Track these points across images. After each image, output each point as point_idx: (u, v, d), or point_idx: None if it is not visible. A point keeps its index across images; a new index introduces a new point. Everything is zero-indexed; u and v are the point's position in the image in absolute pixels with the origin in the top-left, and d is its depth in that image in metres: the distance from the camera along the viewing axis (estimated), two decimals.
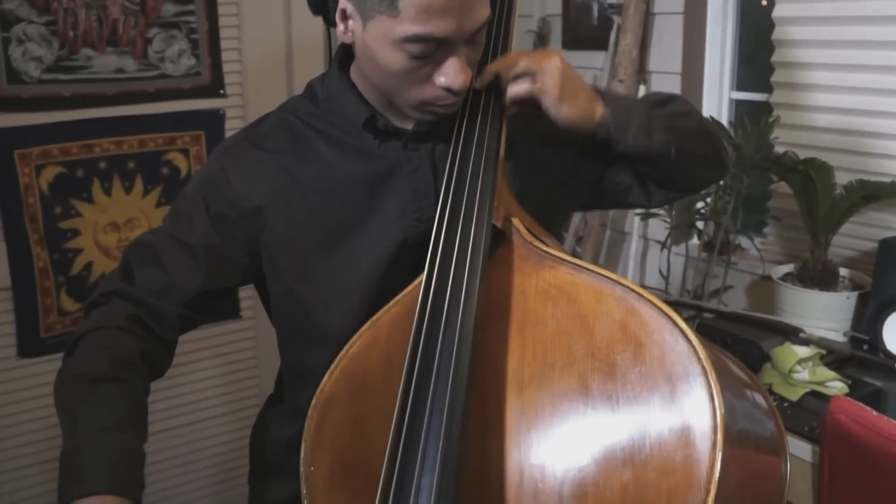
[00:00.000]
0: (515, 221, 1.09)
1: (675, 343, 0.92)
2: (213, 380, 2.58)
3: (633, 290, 0.96)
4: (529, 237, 1.07)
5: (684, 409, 0.89)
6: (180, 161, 2.41)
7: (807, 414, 1.77)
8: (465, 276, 1.03)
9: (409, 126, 1.21)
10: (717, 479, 0.86)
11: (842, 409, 1.57)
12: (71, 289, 2.32)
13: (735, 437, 0.92)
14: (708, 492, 0.86)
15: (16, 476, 2.33)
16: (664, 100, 1.31)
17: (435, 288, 1.04)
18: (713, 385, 0.89)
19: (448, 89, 1.11)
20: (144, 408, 1.17)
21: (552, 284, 1.02)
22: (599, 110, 1.19)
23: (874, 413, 1.52)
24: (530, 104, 1.18)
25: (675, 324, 0.93)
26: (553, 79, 1.15)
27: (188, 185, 1.30)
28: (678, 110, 1.30)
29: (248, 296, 2.50)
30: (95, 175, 2.31)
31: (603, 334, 0.96)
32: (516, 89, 1.16)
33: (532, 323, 1.00)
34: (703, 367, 0.90)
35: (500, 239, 1.09)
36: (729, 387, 0.95)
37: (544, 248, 1.05)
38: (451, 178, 1.12)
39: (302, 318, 1.27)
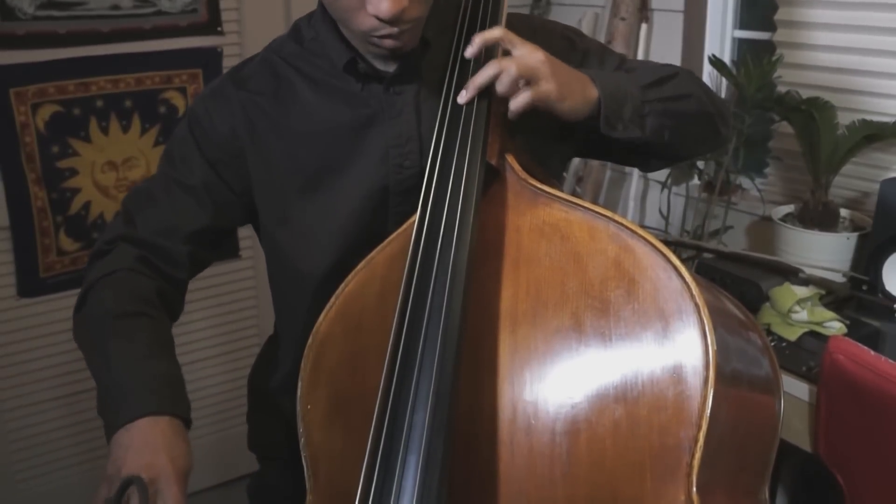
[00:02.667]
0: (510, 158, 1.09)
1: (669, 280, 0.92)
2: (213, 319, 2.59)
3: (626, 227, 0.96)
4: (524, 174, 1.06)
5: (676, 346, 0.89)
6: (178, 99, 2.40)
7: (805, 354, 1.77)
8: (459, 213, 1.02)
9: (390, 69, 1.20)
10: (708, 415, 0.87)
11: (840, 350, 1.57)
12: (70, 228, 2.32)
13: (728, 374, 0.92)
14: (699, 427, 0.87)
15: (18, 415, 2.36)
16: (662, 78, 1.24)
17: (428, 225, 1.04)
18: (706, 322, 0.89)
19: (378, 17, 1.07)
20: (172, 342, 1.17)
21: (546, 222, 1.01)
22: (594, 92, 1.14)
23: (872, 353, 1.53)
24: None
25: (669, 261, 0.92)
26: (549, 79, 1.08)
27: (178, 127, 1.30)
28: (676, 92, 1.24)
29: (247, 235, 2.50)
30: (92, 114, 2.29)
31: (596, 271, 0.95)
32: (519, 103, 1.08)
33: (526, 260, 1.00)
34: (695, 304, 0.90)
35: (493, 176, 1.08)
36: (723, 325, 0.95)
37: (538, 185, 1.05)
38: (444, 114, 1.11)
39: (281, 261, 1.28)
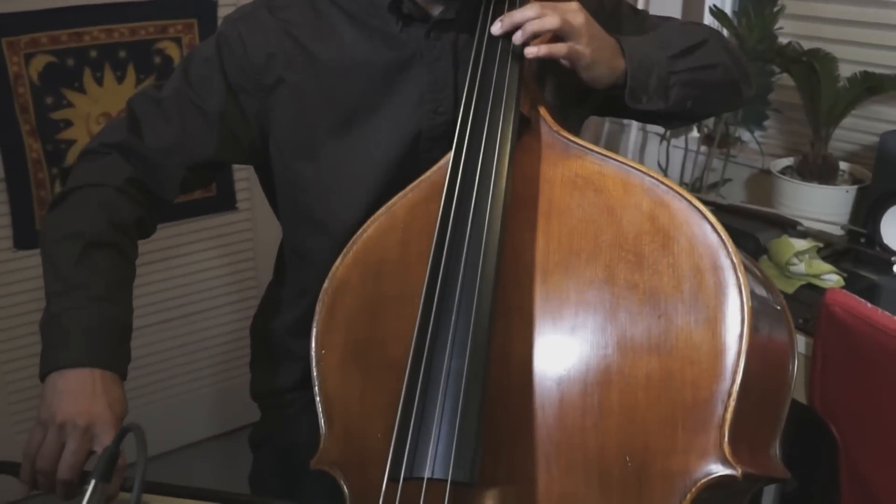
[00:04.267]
0: (542, 110, 1.08)
1: (704, 236, 0.92)
2: (212, 271, 2.58)
3: (662, 182, 0.96)
4: (556, 126, 1.06)
5: (712, 301, 0.91)
6: (173, 50, 2.35)
7: (802, 306, 1.78)
8: (494, 163, 1.02)
9: (435, 12, 1.18)
10: (742, 370, 0.88)
11: (837, 302, 1.59)
12: (65, 180, 2.29)
13: (758, 331, 0.94)
14: (734, 381, 0.88)
15: (15, 367, 2.35)
16: (691, 47, 1.23)
17: (463, 171, 1.03)
18: (741, 278, 0.90)
19: None
20: (132, 280, 1.16)
21: (578, 174, 1.01)
22: (621, 63, 1.15)
23: (868, 306, 1.54)
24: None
25: (705, 217, 0.93)
26: (586, 41, 1.10)
27: (201, 46, 1.26)
28: (704, 62, 1.24)
29: (243, 188, 2.49)
30: (86, 64, 2.25)
31: (631, 225, 0.96)
32: (554, 50, 1.09)
33: (558, 212, 1.01)
34: (732, 261, 0.91)
35: (525, 127, 1.08)
36: (752, 282, 0.97)
37: (571, 137, 1.05)
38: (477, 63, 1.11)
39: (303, 200, 1.26)
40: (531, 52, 1.09)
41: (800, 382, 1.74)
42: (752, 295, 0.93)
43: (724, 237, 0.92)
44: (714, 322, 0.90)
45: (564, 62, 1.10)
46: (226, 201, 2.50)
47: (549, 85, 1.21)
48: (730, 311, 0.90)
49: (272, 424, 1.44)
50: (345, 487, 1.04)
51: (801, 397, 1.75)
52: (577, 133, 1.28)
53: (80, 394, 1.00)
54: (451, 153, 1.06)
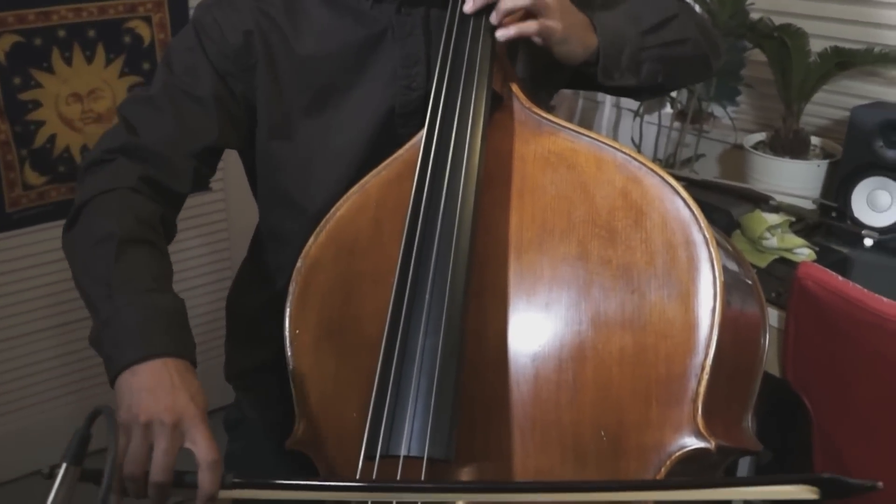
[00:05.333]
0: (514, 87, 1.08)
1: (677, 211, 0.93)
2: (186, 252, 2.56)
3: (634, 158, 0.97)
4: (528, 103, 1.06)
5: (685, 276, 0.91)
6: (143, 29, 2.33)
7: (774, 280, 1.79)
8: (467, 140, 1.02)
9: None
10: (715, 344, 0.89)
11: (808, 276, 1.60)
12: (35, 162, 2.27)
13: (730, 305, 0.94)
14: (706, 355, 0.89)
15: None
16: (663, 21, 1.24)
17: (436, 149, 1.03)
18: (714, 253, 0.91)
19: None
20: (172, 275, 1.11)
21: (552, 151, 1.02)
22: (593, 40, 1.15)
23: (840, 279, 1.55)
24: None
25: (677, 192, 0.94)
26: (558, 17, 1.09)
27: (178, 38, 1.24)
28: (675, 37, 1.24)
29: (217, 168, 2.47)
30: (55, 44, 2.22)
31: (604, 201, 0.96)
32: (524, 29, 1.08)
33: (531, 189, 1.01)
34: (704, 236, 0.91)
35: (498, 104, 1.08)
36: (724, 257, 0.97)
37: (544, 114, 1.05)
38: (449, 40, 1.10)
39: (281, 180, 1.26)
40: (502, 34, 1.08)
41: (774, 356, 1.76)
42: (725, 270, 0.94)
43: (696, 212, 0.92)
44: (687, 297, 0.91)
45: (537, 39, 1.09)
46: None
47: (522, 59, 1.21)
48: (702, 285, 0.90)
49: (247, 405, 1.44)
50: (321, 467, 1.04)
51: (774, 370, 1.76)
52: (547, 105, 1.28)
53: (158, 389, 0.93)
54: (424, 131, 1.05)
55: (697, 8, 2.31)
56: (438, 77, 1.09)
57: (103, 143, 1.18)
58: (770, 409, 2.13)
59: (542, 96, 1.30)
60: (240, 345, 1.44)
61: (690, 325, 0.90)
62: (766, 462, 2.32)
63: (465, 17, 1.11)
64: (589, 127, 2.77)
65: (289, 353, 1.10)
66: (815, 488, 0.75)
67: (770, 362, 1.76)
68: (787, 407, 1.88)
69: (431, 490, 0.88)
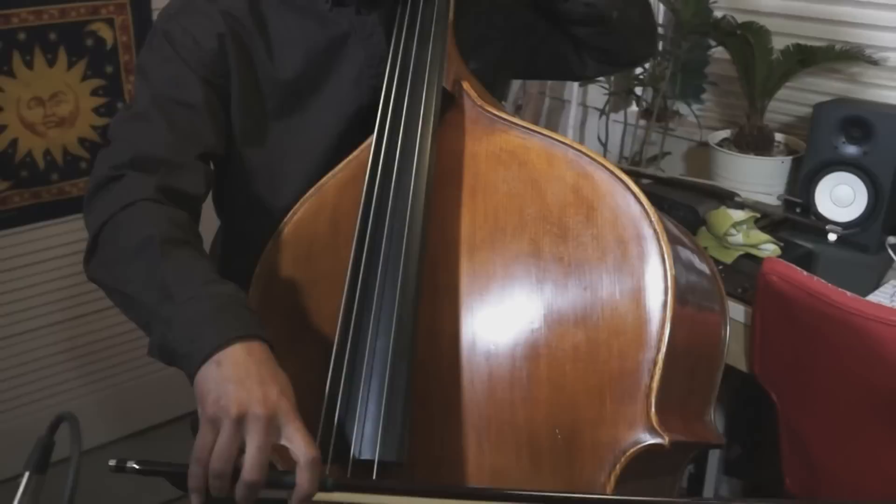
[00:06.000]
0: (465, 85, 1.08)
1: (628, 206, 0.93)
2: None
3: (585, 154, 0.96)
4: (480, 101, 1.06)
5: (636, 271, 0.91)
6: (105, 32, 2.31)
7: (740, 276, 1.79)
8: (417, 139, 1.02)
9: None
10: (667, 339, 0.89)
11: (774, 271, 1.60)
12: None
13: (684, 299, 0.94)
14: (658, 350, 0.89)
15: None
16: None
17: (385, 150, 1.03)
18: (665, 247, 0.91)
19: None
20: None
21: (503, 148, 1.01)
22: None
23: (804, 273, 1.56)
24: None
25: (628, 187, 0.93)
26: None
27: (151, 52, 1.20)
28: None
29: None
30: (15, 47, 2.19)
31: (555, 198, 0.96)
32: None
33: (483, 187, 1.00)
34: (655, 230, 0.91)
35: (449, 103, 1.08)
36: (678, 251, 0.97)
37: (496, 111, 1.04)
38: (399, 39, 1.10)
39: (250, 184, 1.24)
40: None
41: (741, 351, 1.76)
42: (679, 264, 0.94)
43: (646, 207, 0.92)
44: (638, 292, 0.91)
45: None
46: None
47: (475, 52, 1.21)
48: (653, 280, 0.90)
49: None
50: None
51: (742, 366, 1.77)
52: (501, 99, 1.28)
53: (248, 380, 0.85)
54: (375, 132, 1.05)
55: (662, 8, 2.32)
56: (388, 77, 1.09)
57: (105, 163, 1.11)
58: (739, 405, 2.15)
59: (495, 90, 1.30)
60: None
61: (642, 320, 0.90)
62: (735, 456, 2.33)
63: (415, 13, 1.11)
64: (556, 126, 2.78)
65: None
66: None
67: (738, 358, 1.77)
68: (756, 402, 1.88)
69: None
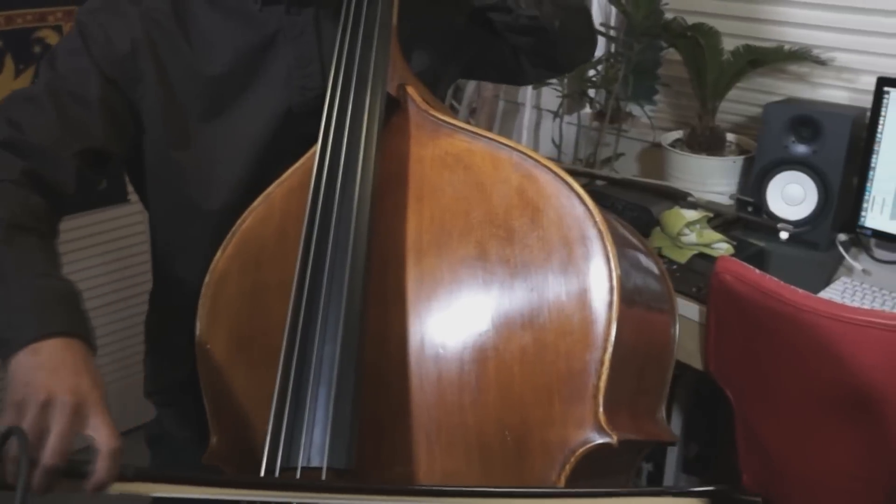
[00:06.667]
0: (410, 90, 1.08)
1: (572, 207, 0.93)
2: (104, 266, 2.52)
3: (529, 156, 0.97)
4: (424, 105, 1.06)
5: (581, 272, 0.91)
6: (53, 39, 2.28)
7: (695, 275, 1.81)
8: (361, 145, 1.02)
9: None
10: (613, 339, 0.89)
11: (727, 269, 1.62)
12: None
13: (630, 298, 0.95)
14: (605, 350, 0.89)
15: None
16: None
17: (330, 157, 1.02)
18: (609, 247, 0.91)
19: None
20: (62, 266, 1.04)
21: (448, 152, 1.01)
22: None
23: (757, 272, 1.58)
24: None
25: (572, 188, 0.94)
26: None
27: (65, 40, 1.20)
28: (573, 2, 1.29)
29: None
30: None
31: (500, 200, 0.96)
32: None
33: (429, 191, 1.00)
34: (599, 231, 0.91)
35: (394, 108, 1.08)
36: (623, 251, 0.98)
37: (440, 116, 1.04)
38: (342, 44, 1.10)
39: (180, 187, 1.23)
40: None
41: (696, 349, 1.78)
42: (625, 263, 0.94)
43: (591, 208, 0.93)
44: (583, 292, 0.91)
45: None
46: (116, 194, 2.44)
47: (418, 52, 1.21)
48: (598, 280, 0.90)
49: (166, 421, 1.42)
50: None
51: (698, 364, 1.78)
52: (444, 100, 1.28)
53: (61, 369, 0.86)
54: (319, 140, 1.05)
55: (614, 11, 2.34)
56: (332, 84, 1.08)
57: None
58: (696, 403, 2.17)
59: (439, 91, 1.30)
60: (157, 361, 1.42)
61: (588, 320, 0.90)
62: (693, 455, 2.35)
63: (358, 18, 1.10)
64: (510, 129, 2.79)
65: (201, 370, 1.08)
66: (705, 500, 0.74)
67: (694, 356, 1.78)
68: (713, 400, 1.90)
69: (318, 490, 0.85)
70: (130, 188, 2.45)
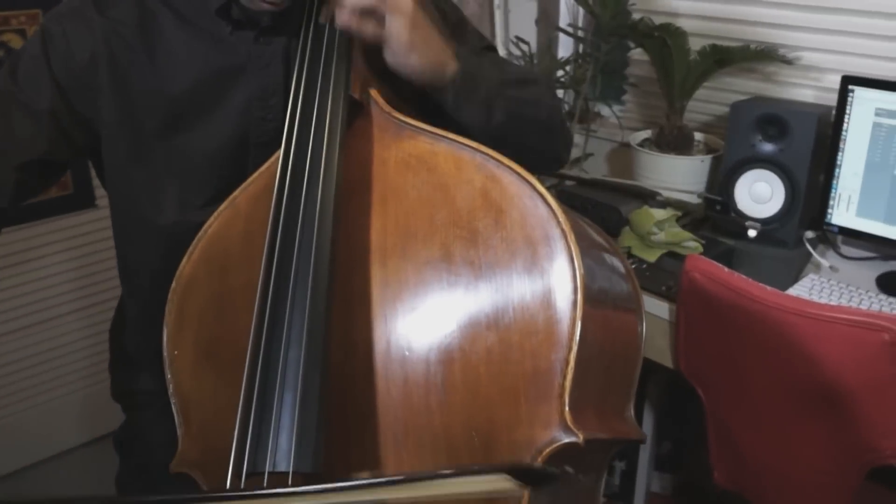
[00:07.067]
0: (373, 93, 1.08)
1: (535, 208, 0.93)
2: (72, 272, 2.49)
3: (492, 157, 0.97)
4: (388, 108, 1.06)
5: (545, 272, 0.91)
6: (17, 42, 2.25)
7: (664, 274, 1.82)
8: (324, 148, 1.01)
9: (263, 20, 1.16)
10: (578, 338, 0.89)
11: (696, 268, 1.63)
12: None
13: (594, 297, 0.95)
14: (570, 349, 0.89)
15: None
16: (522, 80, 1.24)
17: (293, 161, 1.02)
18: (573, 247, 0.91)
19: None
20: None
21: (412, 154, 1.01)
22: (452, 67, 1.11)
23: (725, 270, 1.58)
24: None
25: (535, 189, 0.94)
26: (403, 22, 1.05)
27: (27, 44, 1.19)
28: (532, 97, 1.23)
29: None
30: None
31: (464, 202, 0.96)
32: (361, 30, 1.05)
33: (393, 193, 1.00)
34: (562, 231, 0.91)
35: (358, 111, 1.07)
36: (588, 250, 0.98)
37: (403, 118, 1.04)
38: (304, 51, 1.09)
39: (135, 203, 1.23)
40: (342, 20, 1.05)
41: (666, 347, 1.78)
42: (589, 263, 0.95)
43: (554, 208, 0.93)
44: (548, 292, 0.91)
45: (382, 41, 1.06)
46: (84, 199, 2.42)
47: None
48: (562, 280, 0.90)
49: (134, 425, 1.41)
50: (204, 488, 1.02)
51: (668, 362, 1.79)
52: (414, 103, 1.27)
53: None
54: (283, 143, 1.04)
55: (581, 11, 2.35)
56: (295, 87, 1.07)
57: None
58: (667, 401, 2.18)
59: (406, 94, 1.29)
60: (123, 368, 1.41)
61: (553, 320, 0.90)
62: (665, 452, 2.36)
63: (319, 27, 1.10)
64: None
65: (168, 375, 1.07)
66: (505, 476, 0.74)
67: (664, 355, 1.79)
68: (684, 397, 1.91)
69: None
70: (98, 193, 2.45)
